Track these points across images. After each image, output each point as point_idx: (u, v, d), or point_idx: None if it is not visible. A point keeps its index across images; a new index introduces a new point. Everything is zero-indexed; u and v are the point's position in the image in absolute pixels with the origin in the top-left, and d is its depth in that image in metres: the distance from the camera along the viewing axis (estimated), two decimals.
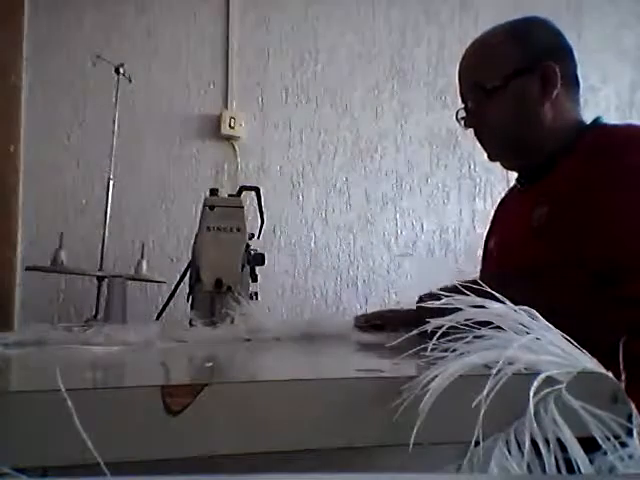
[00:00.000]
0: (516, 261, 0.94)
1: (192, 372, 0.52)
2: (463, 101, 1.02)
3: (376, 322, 0.88)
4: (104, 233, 1.50)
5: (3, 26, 1.72)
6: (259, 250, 1.19)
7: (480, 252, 1.20)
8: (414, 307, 0.88)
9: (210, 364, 0.49)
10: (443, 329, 0.42)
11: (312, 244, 1.92)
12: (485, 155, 1.04)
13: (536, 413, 0.37)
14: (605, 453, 0.36)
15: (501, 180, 1.94)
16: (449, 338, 0.42)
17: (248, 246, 1.11)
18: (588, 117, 1.00)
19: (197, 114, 1.88)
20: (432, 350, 0.41)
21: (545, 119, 0.95)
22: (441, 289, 0.45)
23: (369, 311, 1.05)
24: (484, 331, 0.41)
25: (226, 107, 1.89)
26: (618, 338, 0.45)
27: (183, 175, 1.85)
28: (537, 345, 0.40)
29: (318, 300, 1.89)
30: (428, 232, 2.01)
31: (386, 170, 2.01)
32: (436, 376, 0.37)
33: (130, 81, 1.58)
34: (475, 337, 0.41)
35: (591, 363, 0.39)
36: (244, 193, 1.21)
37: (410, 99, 2.04)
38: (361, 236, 1.96)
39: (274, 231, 1.88)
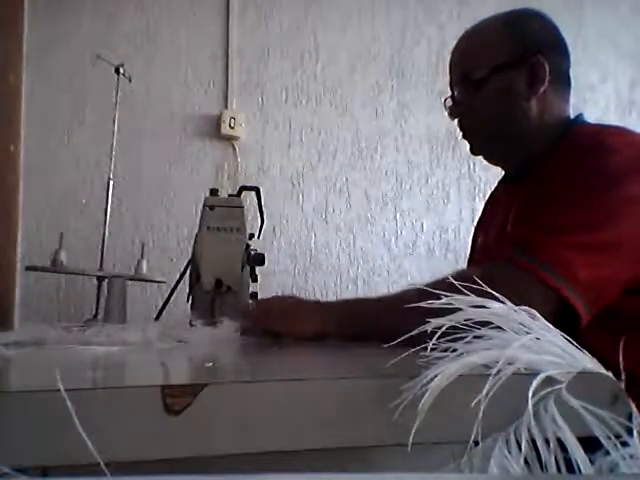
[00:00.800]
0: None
1: (192, 372, 0.52)
2: (451, 89, 1.01)
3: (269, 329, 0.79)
4: (104, 233, 1.50)
5: (3, 26, 1.72)
6: (259, 250, 1.19)
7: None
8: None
9: (210, 364, 0.49)
10: (443, 329, 0.42)
11: (312, 244, 1.92)
12: (468, 147, 1.02)
13: (536, 413, 0.37)
14: (605, 453, 0.36)
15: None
16: (448, 338, 0.42)
17: (248, 246, 1.11)
18: (586, 116, 0.99)
19: (197, 114, 1.88)
20: (432, 350, 0.41)
21: (530, 116, 0.92)
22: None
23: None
24: (484, 331, 0.41)
25: (226, 107, 1.89)
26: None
27: (183, 175, 1.85)
28: (537, 345, 0.40)
29: None
30: (428, 232, 2.01)
31: (386, 170, 2.01)
32: (436, 376, 0.37)
33: (130, 81, 1.58)
34: (475, 337, 0.41)
35: (591, 363, 0.39)
36: (244, 193, 1.21)
37: (410, 99, 2.04)
38: (361, 236, 1.96)
39: (274, 231, 1.88)
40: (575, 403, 0.38)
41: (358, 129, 2.00)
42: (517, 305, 0.44)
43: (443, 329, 0.42)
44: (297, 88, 1.97)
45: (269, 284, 1.74)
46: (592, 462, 0.36)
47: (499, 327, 0.41)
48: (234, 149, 1.89)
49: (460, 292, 0.46)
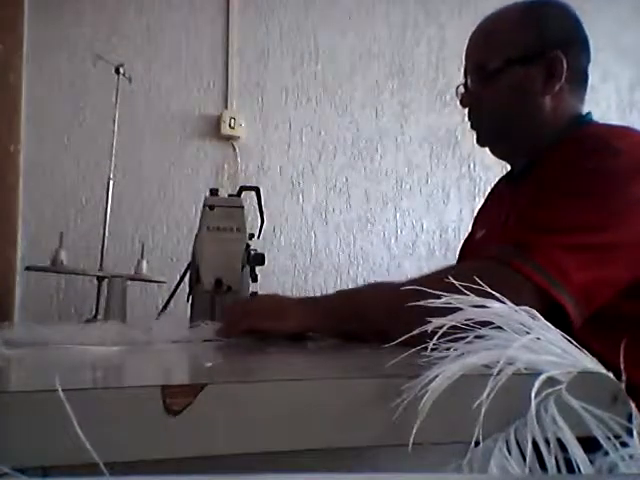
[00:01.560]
0: None
1: (192, 372, 0.52)
2: (464, 77, 0.97)
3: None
4: (104, 233, 1.50)
5: (3, 26, 1.72)
6: (259, 250, 1.19)
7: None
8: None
9: (210, 364, 0.49)
10: (444, 329, 0.42)
11: (312, 244, 1.92)
12: (475, 137, 1.00)
13: (536, 413, 0.37)
14: (605, 453, 0.36)
15: None
16: (448, 338, 0.42)
17: (248, 246, 1.11)
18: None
19: (197, 114, 1.88)
20: (432, 350, 0.41)
21: (542, 112, 0.90)
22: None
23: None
24: (484, 331, 0.41)
25: (226, 107, 1.89)
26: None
27: (183, 175, 1.85)
28: (537, 345, 0.40)
29: None
30: (428, 232, 2.01)
31: (386, 170, 2.01)
32: (436, 376, 0.37)
33: (130, 81, 1.58)
34: (476, 337, 0.41)
35: (591, 363, 0.39)
36: (244, 193, 1.21)
37: (410, 99, 2.04)
38: (361, 236, 1.96)
39: (274, 231, 1.88)
40: (575, 403, 0.38)
41: (358, 129, 2.00)
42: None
43: (444, 329, 0.42)
44: (297, 88, 1.97)
45: (269, 284, 1.74)
46: (592, 462, 0.36)
47: (499, 327, 0.41)
48: (234, 149, 1.89)
49: (453, 290, 0.45)
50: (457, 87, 0.99)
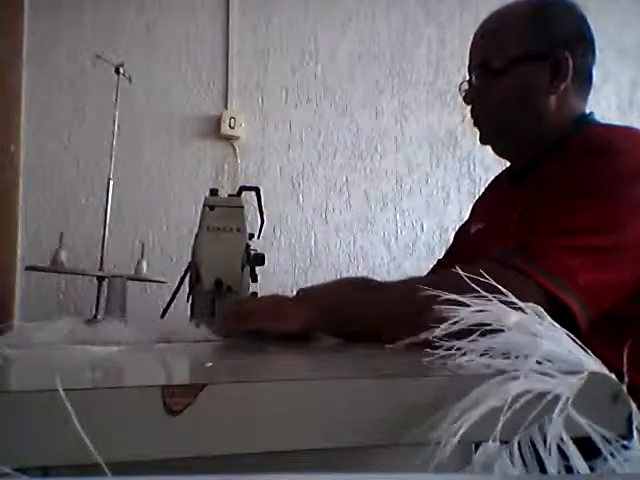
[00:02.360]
0: None
1: (192, 372, 0.52)
2: (469, 73, 0.96)
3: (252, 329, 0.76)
4: (104, 233, 1.50)
5: (3, 26, 1.72)
6: (259, 250, 1.19)
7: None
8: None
9: (210, 364, 0.49)
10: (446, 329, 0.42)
11: (312, 244, 1.92)
12: (478, 135, 0.99)
13: (539, 419, 0.36)
14: (605, 457, 0.36)
15: None
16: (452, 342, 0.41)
17: (248, 246, 1.11)
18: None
19: (197, 114, 1.88)
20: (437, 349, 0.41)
21: (546, 112, 0.89)
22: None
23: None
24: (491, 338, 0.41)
25: (226, 107, 1.89)
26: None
27: (183, 175, 1.85)
28: (547, 348, 0.39)
29: None
30: (428, 232, 2.01)
31: (386, 170, 2.01)
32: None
33: (130, 81, 1.58)
34: (479, 335, 0.41)
35: (595, 364, 0.39)
36: (244, 193, 1.21)
37: (410, 99, 2.04)
38: (361, 236, 1.96)
39: (274, 231, 1.88)
40: (575, 404, 0.38)
41: (358, 129, 2.00)
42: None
43: (447, 329, 0.42)
44: (297, 88, 1.97)
45: (269, 284, 1.74)
46: (592, 464, 0.36)
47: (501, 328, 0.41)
48: (234, 149, 1.89)
49: (463, 292, 0.45)
50: (460, 84, 0.98)
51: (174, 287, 1.29)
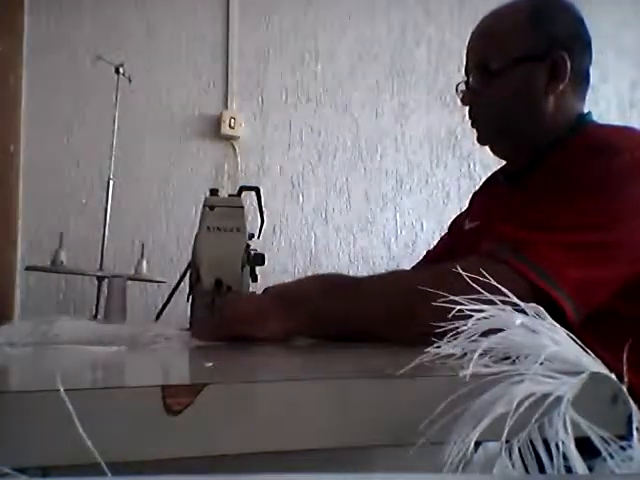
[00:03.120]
0: None
1: (192, 372, 0.52)
2: (466, 74, 0.96)
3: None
4: (104, 233, 1.50)
5: (3, 26, 1.72)
6: (259, 250, 1.19)
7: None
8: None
9: (210, 364, 0.49)
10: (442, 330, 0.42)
11: (312, 244, 1.92)
12: (476, 136, 0.98)
13: (539, 418, 0.36)
14: (604, 458, 0.36)
15: None
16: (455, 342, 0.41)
17: (248, 246, 1.10)
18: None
19: (197, 114, 1.88)
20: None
21: (544, 113, 0.89)
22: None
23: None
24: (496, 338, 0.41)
25: (226, 107, 1.89)
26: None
27: (183, 175, 1.85)
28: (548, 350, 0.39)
29: None
30: (428, 232, 2.01)
31: (386, 170, 2.01)
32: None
33: (130, 81, 1.58)
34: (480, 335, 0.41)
35: (595, 365, 0.39)
36: (244, 193, 1.21)
37: (410, 99, 2.04)
38: (361, 236, 1.96)
39: (274, 231, 1.88)
40: (575, 404, 0.38)
41: (358, 129, 2.00)
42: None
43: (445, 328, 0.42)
44: (297, 88, 1.97)
45: (269, 284, 1.74)
46: (591, 464, 0.36)
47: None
48: (234, 149, 1.89)
49: (458, 290, 0.45)
50: (457, 85, 0.98)
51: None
